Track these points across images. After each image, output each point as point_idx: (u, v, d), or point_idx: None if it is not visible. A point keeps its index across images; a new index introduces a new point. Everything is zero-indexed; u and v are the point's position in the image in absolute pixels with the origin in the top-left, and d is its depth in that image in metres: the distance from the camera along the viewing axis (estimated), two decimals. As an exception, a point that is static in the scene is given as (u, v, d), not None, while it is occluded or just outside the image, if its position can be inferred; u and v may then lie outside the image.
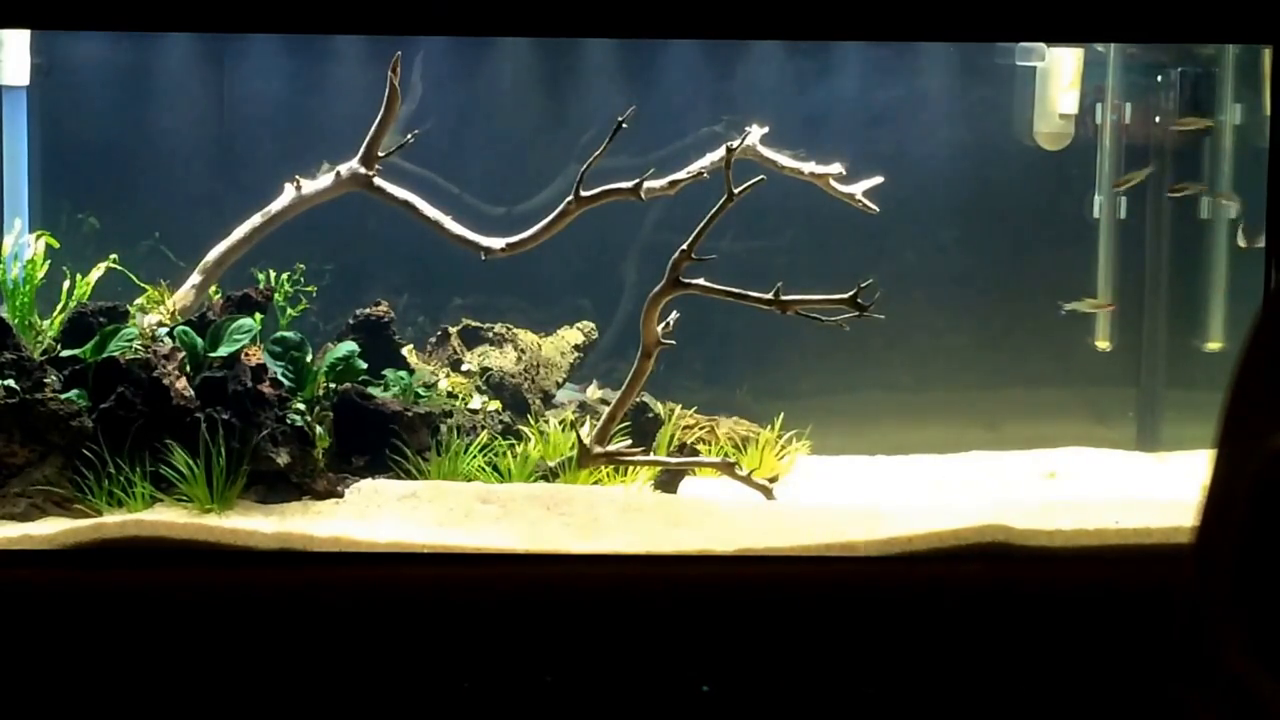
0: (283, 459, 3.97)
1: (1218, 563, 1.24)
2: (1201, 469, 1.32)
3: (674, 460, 4.42)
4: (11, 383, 3.98)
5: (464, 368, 4.70)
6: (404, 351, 4.60)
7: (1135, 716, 3.22)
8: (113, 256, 4.48)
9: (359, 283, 4.87)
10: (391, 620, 3.59)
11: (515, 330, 4.83)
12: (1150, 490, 4.45)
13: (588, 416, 4.55)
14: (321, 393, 4.26)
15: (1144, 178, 4.91)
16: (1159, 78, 5.01)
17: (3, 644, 3.51)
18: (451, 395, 4.50)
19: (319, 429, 4.14)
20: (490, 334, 4.84)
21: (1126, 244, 5.05)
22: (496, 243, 4.34)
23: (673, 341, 4.22)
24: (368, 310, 4.57)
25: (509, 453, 4.32)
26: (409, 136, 4.36)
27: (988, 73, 5.00)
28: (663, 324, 4.21)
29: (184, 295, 4.40)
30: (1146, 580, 3.37)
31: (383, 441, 4.19)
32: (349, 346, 4.36)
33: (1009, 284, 5.10)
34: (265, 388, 4.04)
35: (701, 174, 4.30)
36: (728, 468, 4.35)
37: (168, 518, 3.83)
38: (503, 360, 4.74)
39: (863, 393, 5.07)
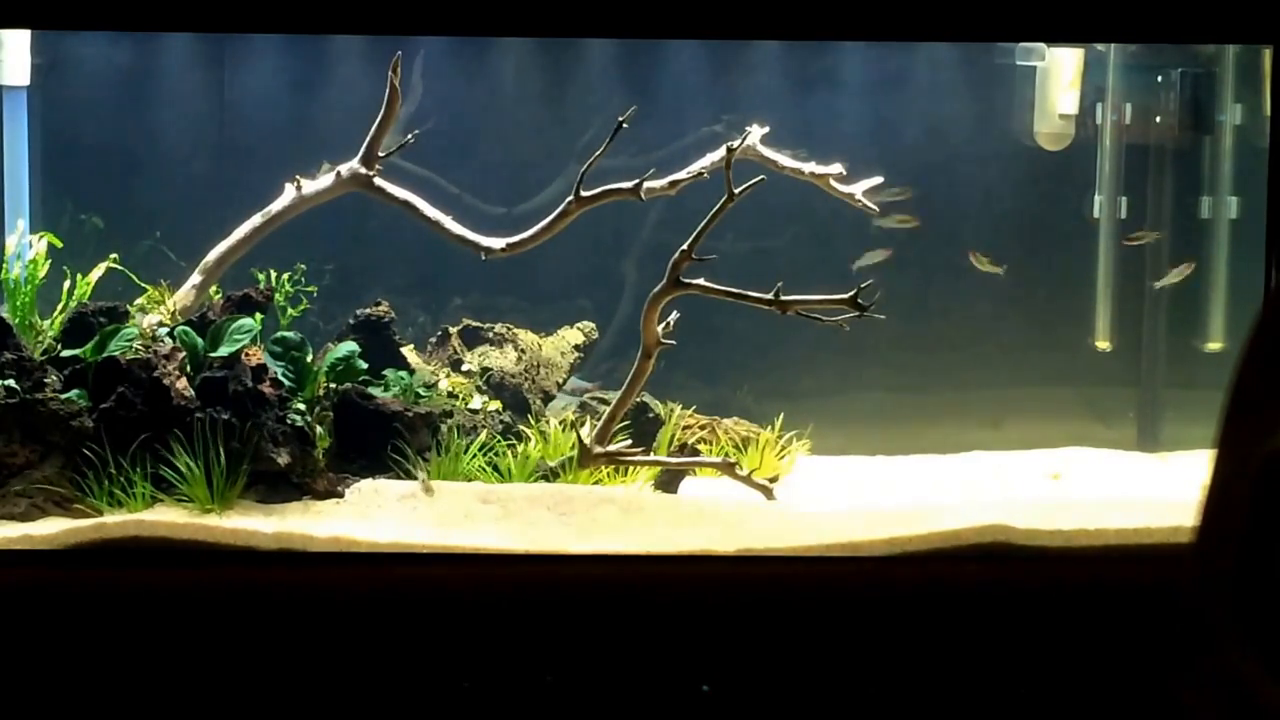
0: (283, 459, 3.97)
1: (1218, 563, 1.25)
2: (1201, 469, 1.32)
3: (674, 460, 4.42)
4: (12, 383, 3.98)
5: (464, 368, 4.70)
6: (404, 351, 4.60)
7: (1135, 716, 3.22)
8: (113, 256, 4.48)
9: (359, 283, 4.87)
10: (391, 620, 3.59)
11: (515, 330, 4.83)
12: (1150, 490, 4.45)
13: (588, 416, 4.55)
14: (322, 393, 4.26)
15: (1153, 238, 4.96)
16: (1159, 78, 5.01)
17: (3, 644, 3.51)
18: (452, 395, 4.51)
19: (319, 429, 4.14)
20: (490, 334, 4.84)
21: (1126, 244, 5.05)
22: (496, 243, 4.34)
23: (673, 341, 4.22)
24: (368, 310, 4.57)
25: (509, 453, 4.32)
26: (409, 136, 4.36)
27: (988, 73, 5.00)
28: (663, 324, 4.21)
29: (184, 295, 4.40)
30: (1146, 580, 3.37)
31: (383, 441, 4.19)
32: (349, 346, 4.36)
33: (1009, 284, 5.10)
34: (265, 388, 4.04)
35: (701, 174, 4.29)
36: (728, 468, 4.35)
37: (168, 518, 3.83)
38: (503, 360, 4.74)
39: (863, 393, 5.07)
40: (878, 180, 4.42)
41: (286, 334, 4.28)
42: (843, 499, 4.35)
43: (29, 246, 4.42)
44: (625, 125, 4.13)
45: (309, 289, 4.56)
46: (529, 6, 3.80)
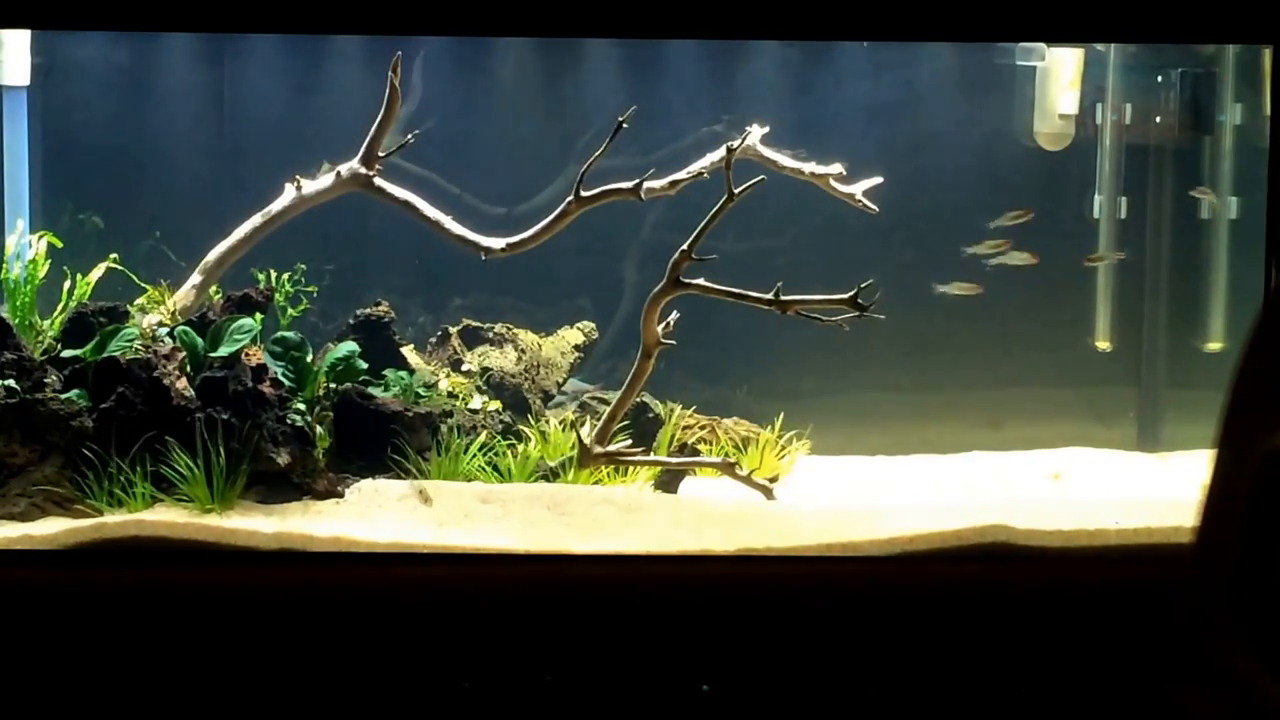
0: (283, 459, 3.97)
1: (1218, 563, 1.25)
2: (1201, 469, 1.33)
3: (674, 460, 4.42)
4: (12, 383, 3.98)
5: (464, 368, 4.70)
6: (404, 351, 4.60)
7: (1135, 716, 3.22)
8: (113, 256, 4.48)
9: (359, 283, 4.87)
10: (391, 620, 3.59)
11: (515, 330, 4.83)
12: (1150, 490, 4.45)
13: (588, 416, 4.55)
14: (322, 393, 4.26)
15: (1115, 259, 4.98)
16: (1159, 78, 5.01)
17: (3, 644, 3.51)
18: (452, 395, 4.51)
19: (319, 429, 4.14)
20: (490, 334, 4.84)
21: (1126, 244, 5.05)
22: (496, 243, 4.34)
23: (673, 341, 4.22)
24: (368, 310, 4.57)
25: (509, 453, 4.32)
26: (409, 136, 4.36)
27: (988, 72, 5.00)
28: (663, 324, 4.21)
29: (184, 295, 4.41)
30: (1146, 580, 3.37)
31: (383, 441, 4.19)
32: (349, 346, 4.36)
33: (1009, 284, 5.10)
34: (265, 388, 4.04)
35: (701, 174, 4.30)
36: (728, 468, 4.35)
37: (168, 518, 3.83)
38: (503, 360, 4.74)
39: (863, 393, 5.06)
40: (877, 180, 4.42)
41: (286, 334, 4.28)
42: (843, 499, 4.35)
43: (29, 246, 4.43)
44: (625, 125, 4.13)
45: (309, 289, 4.56)
46: (529, 6, 3.80)
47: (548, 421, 4.54)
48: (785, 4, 3.83)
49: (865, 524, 3.90)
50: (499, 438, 4.39)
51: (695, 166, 4.32)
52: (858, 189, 4.42)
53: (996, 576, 3.76)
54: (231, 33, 4.77)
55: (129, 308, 4.30)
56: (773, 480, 4.45)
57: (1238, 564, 1.22)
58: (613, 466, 4.33)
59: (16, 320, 4.19)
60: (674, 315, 4.23)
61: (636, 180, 4.22)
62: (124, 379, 3.97)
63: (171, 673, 3.51)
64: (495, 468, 4.27)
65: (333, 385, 4.28)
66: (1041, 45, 4.91)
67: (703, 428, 4.70)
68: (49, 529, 3.80)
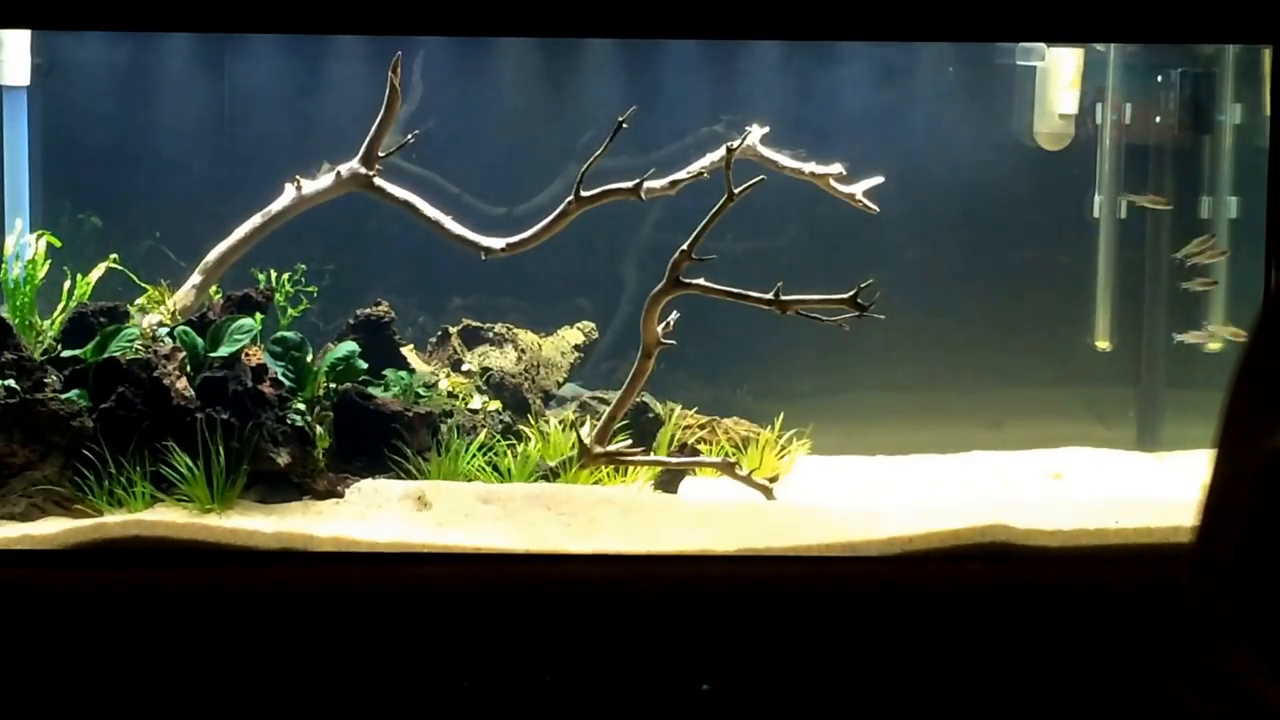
0: (283, 459, 3.97)
1: (1218, 563, 1.25)
2: (1201, 469, 1.32)
3: (674, 460, 4.42)
4: (12, 383, 3.98)
5: (464, 368, 4.70)
6: (404, 351, 4.60)
7: (1135, 716, 3.22)
8: (113, 256, 4.48)
9: (359, 283, 4.87)
10: (391, 620, 3.59)
11: (515, 330, 4.83)
12: (1150, 490, 4.45)
13: (588, 416, 4.55)
14: (322, 393, 4.26)
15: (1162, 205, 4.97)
16: (1159, 78, 5.01)
17: (3, 644, 3.51)
18: (452, 395, 4.51)
19: (319, 429, 4.14)
20: (490, 334, 4.84)
21: (1126, 244, 5.05)
22: (497, 243, 4.35)
23: (673, 341, 4.22)
24: (368, 310, 4.57)
25: (509, 453, 4.32)
26: (409, 136, 4.36)
27: (987, 72, 5.00)
28: (663, 324, 4.21)
29: (184, 295, 4.41)
30: (1146, 580, 3.37)
31: (383, 441, 4.19)
32: (349, 346, 4.36)
33: (1009, 284, 5.10)
34: (266, 388, 4.04)
35: (701, 174, 4.30)
36: (728, 468, 4.35)
37: (168, 518, 3.83)
38: (503, 360, 4.74)
39: (863, 393, 5.06)
40: (878, 180, 4.42)
41: (286, 334, 4.28)
42: (843, 499, 4.35)
43: (28, 246, 4.42)
44: (625, 125, 4.13)
45: (309, 289, 4.56)
46: (529, 6, 3.80)
47: (548, 421, 4.54)
48: (785, 4, 3.83)
49: (865, 524, 3.90)
50: (499, 438, 4.39)
51: (695, 166, 4.32)
52: (858, 189, 4.42)
53: (996, 576, 3.76)
54: (231, 33, 4.76)
55: (129, 308, 4.30)
56: (773, 480, 4.44)
57: (1237, 564, 1.22)
58: (613, 466, 4.33)
59: (16, 320, 4.19)
60: (674, 315, 4.23)
61: (636, 180, 4.22)
62: (124, 379, 3.97)
63: (172, 673, 3.51)
64: (495, 468, 4.27)
65: (333, 385, 4.28)
66: (1041, 45, 4.91)
67: (703, 428, 4.70)
68: (49, 529, 3.80)
